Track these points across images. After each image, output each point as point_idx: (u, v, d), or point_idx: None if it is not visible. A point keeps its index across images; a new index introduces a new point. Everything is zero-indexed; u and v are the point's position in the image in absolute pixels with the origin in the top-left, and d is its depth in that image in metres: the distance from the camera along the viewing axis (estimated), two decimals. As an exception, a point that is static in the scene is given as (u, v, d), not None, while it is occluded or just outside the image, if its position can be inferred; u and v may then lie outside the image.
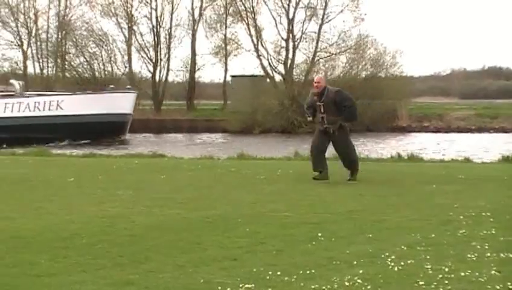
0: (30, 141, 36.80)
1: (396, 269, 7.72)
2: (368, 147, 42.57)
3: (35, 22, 72.60)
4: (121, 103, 50.66)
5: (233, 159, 22.64)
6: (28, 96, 49.98)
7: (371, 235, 9.46)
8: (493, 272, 7.60)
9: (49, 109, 47.95)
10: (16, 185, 15.28)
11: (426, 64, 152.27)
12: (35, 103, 48.44)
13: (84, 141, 46.08)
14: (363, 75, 66.19)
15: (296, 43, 67.14)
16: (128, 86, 56.06)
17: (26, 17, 72.06)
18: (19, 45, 72.55)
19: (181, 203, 12.53)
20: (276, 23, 67.36)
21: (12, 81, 55.63)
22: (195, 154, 26.59)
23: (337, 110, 15.63)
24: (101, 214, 11.23)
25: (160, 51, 70.68)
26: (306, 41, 67.63)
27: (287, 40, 66.97)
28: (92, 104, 49.09)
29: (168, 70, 71.27)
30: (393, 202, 12.59)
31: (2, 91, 52.58)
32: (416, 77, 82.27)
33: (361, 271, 7.59)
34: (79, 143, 44.30)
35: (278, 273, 7.54)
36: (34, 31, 72.27)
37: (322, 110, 15.67)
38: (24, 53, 72.60)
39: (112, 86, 57.19)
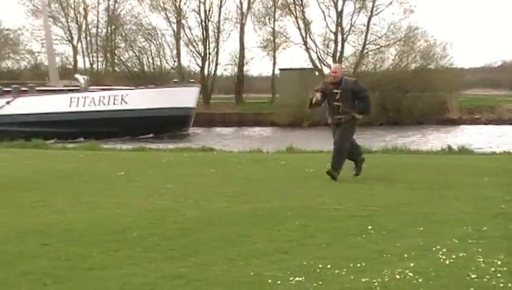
0: (95, 135, 37.04)
1: (447, 262, 7.66)
2: (418, 140, 42.33)
3: (85, 17, 73.44)
4: (185, 97, 50.71)
5: (282, 153, 22.65)
6: (93, 91, 50.52)
7: (421, 228, 9.39)
8: (547, 265, 7.51)
9: (114, 104, 48.40)
10: (67, 179, 15.45)
11: (477, 56, 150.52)
12: (100, 97, 48.88)
13: (148, 135, 46.46)
14: (413, 68, 65.68)
15: (345, 35, 67.03)
16: (192, 80, 56.03)
17: (76, 12, 72.90)
18: (69, 40, 73.46)
19: (231, 197, 12.56)
20: (324, 16, 67.35)
21: (77, 76, 56.22)
22: (245, 147, 26.65)
23: (353, 101, 15.15)
24: (151, 208, 11.30)
25: (208, 45, 71.00)
26: (355, 34, 67.54)
27: (335, 33, 66.84)
28: (156, 98, 49.33)
29: (216, 64, 71.61)
30: (444, 195, 12.49)
31: (67, 86, 53.16)
32: (466, 68, 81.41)
33: (412, 264, 7.54)
34: (143, 137, 44.56)
35: (328, 266, 7.53)
36: (84, 26, 73.13)
37: (338, 99, 15.12)
38: (74, 48, 73.47)
39: (176, 80, 57.35)
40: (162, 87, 53.21)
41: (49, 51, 58.73)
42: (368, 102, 15.51)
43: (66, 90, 51.18)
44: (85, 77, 55.64)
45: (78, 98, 48.72)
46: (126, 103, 48.18)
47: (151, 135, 46.70)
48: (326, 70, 66.99)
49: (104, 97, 48.75)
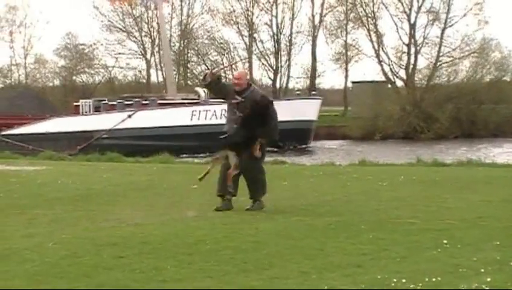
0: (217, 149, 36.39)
1: (525, 277, 7.53)
2: (493, 152, 41.68)
3: (159, 32, 74.04)
4: (307, 110, 50.22)
5: (355, 165, 22.54)
6: (214, 104, 49.44)
7: (498, 243, 9.24)
8: None
9: None
10: (141, 192, 15.61)
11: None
12: (221, 110, 48.52)
13: (271, 148, 45.61)
14: (487, 79, 64.84)
15: (418, 48, 66.41)
16: (314, 92, 55.58)
17: (149, 26, 73.68)
18: (142, 54, 74.23)
19: (304, 210, 12.54)
20: (397, 28, 66.92)
21: (197, 88, 56.20)
22: (317, 160, 26.60)
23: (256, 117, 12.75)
24: (225, 221, 11.34)
25: (280, 58, 71.18)
26: (428, 46, 66.91)
27: (408, 45, 66.32)
28: (279, 111, 48.16)
29: (288, 77, 71.74)
30: (522, 209, 12.28)
31: (186, 99, 53.13)
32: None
33: (489, 279, 7.41)
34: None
35: (403, 280, 7.45)
36: (157, 40, 73.77)
37: (237, 109, 12.89)
38: (147, 62, 74.26)
39: (299, 92, 57.11)
40: (285, 100, 52.61)
41: (167, 64, 58.79)
42: (271, 122, 13.04)
43: (187, 104, 50.90)
44: (205, 89, 55.71)
45: (199, 111, 48.31)
46: None
47: (274, 149, 45.81)
48: (399, 83, 66.70)
49: (225, 110, 48.05)
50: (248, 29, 71.33)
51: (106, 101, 52.30)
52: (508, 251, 8.76)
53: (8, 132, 49.31)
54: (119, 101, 51.87)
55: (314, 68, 71.21)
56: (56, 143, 45.72)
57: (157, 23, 73.36)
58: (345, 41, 70.40)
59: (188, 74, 74.49)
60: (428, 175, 17.96)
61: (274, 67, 71.30)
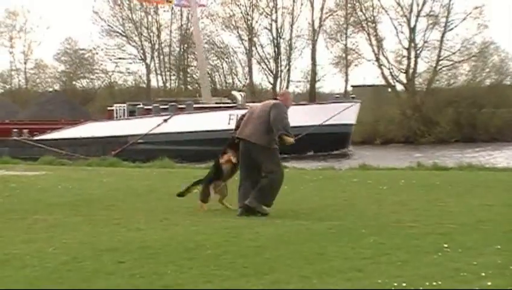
0: None
1: (526, 281, 7.52)
2: (494, 156, 41.68)
3: (158, 36, 74.25)
4: (346, 114, 49.44)
5: (355, 169, 22.53)
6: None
7: (499, 247, 9.22)
8: None
9: None
10: (142, 197, 15.61)
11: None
12: None
13: (308, 152, 44.99)
14: (487, 83, 64.94)
15: (418, 51, 66.46)
16: (353, 95, 55.11)
17: (149, 31, 73.75)
18: (142, 58, 74.29)
19: (304, 214, 12.55)
20: (397, 32, 67.04)
21: (234, 92, 55.70)
22: (317, 165, 26.59)
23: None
24: (225, 225, 11.34)
25: (280, 62, 71.29)
26: (428, 50, 66.97)
27: (408, 49, 66.39)
28: (318, 114, 47.75)
29: (288, 81, 71.82)
30: (523, 212, 12.28)
31: (223, 103, 52.53)
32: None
33: (489, 283, 7.41)
34: (303, 155, 42.77)
35: (404, 284, 7.44)
36: (157, 45, 73.85)
37: None
38: (147, 67, 74.29)
39: (338, 95, 56.66)
40: (324, 104, 52.00)
41: (202, 68, 58.00)
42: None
43: (224, 108, 50.12)
44: (242, 93, 55.07)
45: (237, 115, 47.35)
46: None
47: (311, 153, 45.44)
48: (399, 87, 66.72)
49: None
50: (248, 33, 71.43)
51: (141, 106, 51.75)
52: (508, 255, 8.75)
53: (42, 137, 48.83)
54: (154, 105, 51.30)
55: (314, 72, 71.25)
56: (90, 148, 45.47)
57: (157, 28, 73.52)
58: (345, 45, 70.46)
59: (188, 79, 74.50)
60: (429, 179, 17.95)
61: (274, 72, 71.39)
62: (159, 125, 47.91)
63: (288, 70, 71.67)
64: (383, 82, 67.42)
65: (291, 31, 71.12)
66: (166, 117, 48.38)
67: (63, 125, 51.13)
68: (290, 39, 71.13)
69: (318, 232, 10.63)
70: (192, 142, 45.62)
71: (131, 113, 50.91)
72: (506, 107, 61.40)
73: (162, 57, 74.77)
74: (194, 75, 74.15)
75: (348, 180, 18.18)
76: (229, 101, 52.71)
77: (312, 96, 69.21)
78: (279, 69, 71.32)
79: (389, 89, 67.13)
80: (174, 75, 75.48)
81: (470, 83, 64.81)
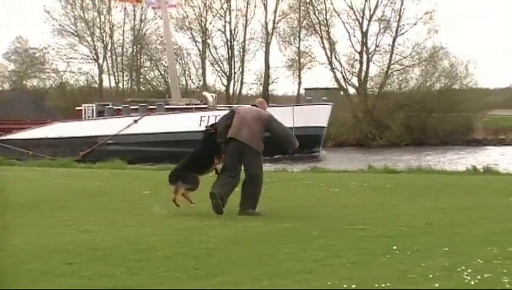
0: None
1: (472, 282, 7.60)
2: (443, 160, 42.13)
3: (111, 36, 73.68)
4: (318, 116, 49.04)
5: (307, 172, 22.63)
6: (222, 109, 47.51)
7: (447, 249, 9.32)
8: None
9: None
10: (93, 198, 15.51)
11: (503, 77, 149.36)
12: None
13: (277, 155, 42.57)
14: (437, 88, 65.67)
15: (370, 55, 67.02)
16: (324, 98, 54.84)
17: (102, 31, 73.16)
18: (94, 59, 73.66)
19: (255, 217, 12.56)
20: (349, 36, 67.53)
21: (205, 93, 55.04)
22: (270, 167, 26.63)
23: None
24: (176, 227, 11.30)
25: (234, 64, 71.31)
26: (380, 54, 67.58)
27: (360, 53, 66.93)
28: (290, 116, 45.51)
29: (241, 83, 71.83)
30: (471, 215, 12.42)
31: (193, 104, 51.87)
32: (492, 89, 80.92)
33: (437, 285, 7.48)
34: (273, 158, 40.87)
35: (353, 286, 7.48)
36: (109, 45, 73.32)
37: None
38: (100, 67, 73.69)
39: (309, 97, 55.85)
40: (296, 106, 51.21)
41: (171, 68, 57.53)
42: None
43: (195, 109, 49.65)
44: (213, 94, 54.53)
45: (208, 116, 45.92)
46: None
47: (279, 156, 44.33)
48: (351, 90, 67.09)
49: None
50: (201, 35, 71.31)
51: (111, 106, 51.00)
52: (456, 257, 8.84)
53: (7, 137, 48.15)
54: (124, 105, 50.68)
55: (267, 75, 71.36)
56: (57, 149, 44.82)
57: (110, 28, 73.06)
58: (298, 48, 70.71)
59: (141, 80, 74.11)
60: (380, 182, 18.10)
61: (227, 74, 71.39)
62: (129, 126, 47.39)
63: (242, 72, 71.78)
64: (335, 85, 67.81)
65: (245, 33, 71.25)
66: (136, 118, 47.87)
67: (30, 125, 50.41)
68: (244, 41, 71.24)
69: (270, 234, 10.65)
70: (162, 144, 45.08)
71: (100, 114, 50.26)
72: (455, 112, 62.09)
73: (114, 57, 74.22)
74: (147, 76, 73.85)
75: (300, 182, 18.25)
76: (198, 102, 52.41)
77: (265, 99, 69.05)
78: (232, 71, 71.36)
79: (342, 92, 67.52)
80: (126, 75, 75.05)
81: (420, 88, 65.43)
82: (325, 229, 11.00)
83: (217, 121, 13.85)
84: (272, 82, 72.56)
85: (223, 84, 72.05)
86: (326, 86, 67.20)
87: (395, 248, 9.36)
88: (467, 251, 9.21)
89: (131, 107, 49.94)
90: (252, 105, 14.13)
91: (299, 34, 70.42)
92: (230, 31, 70.98)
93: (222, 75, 71.78)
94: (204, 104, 51.78)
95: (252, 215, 12.88)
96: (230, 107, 48.74)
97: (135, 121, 47.65)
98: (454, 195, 15.45)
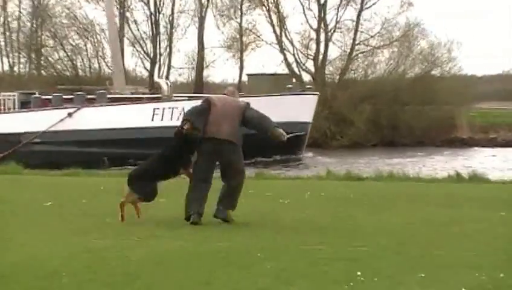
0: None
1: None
2: (419, 164, 42.50)
3: (4, 8, 72.77)
4: (300, 109, 48.46)
5: (250, 178, 22.60)
6: (180, 100, 48.01)
7: (423, 275, 9.42)
8: None
9: None
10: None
11: (493, 62, 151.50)
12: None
13: (254, 159, 41.77)
14: (412, 74, 66.00)
15: (329, 34, 67.26)
16: (309, 86, 53.78)
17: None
18: (-17, 36, 72.71)
19: (186, 234, 12.55)
20: (304, 9, 67.71)
21: (158, 80, 54.14)
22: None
23: None
24: (87, 246, 11.25)
25: (159, 44, 71.02)
26: (341, 32, 67.72)
27: (317, 31, 67.11)
28: (264, 110, 44.23)
29: (169, 67, 71.55)
30: (452, 232, 12.58)
31: (144, 93, 51.55)
32: (479, 76, 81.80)
33: (411, 320, 7.58)
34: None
35: (308, 321, 7.55)
36: (2, 19, 72.43)
37: None
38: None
39: (290, 85, 55.08)
40: (272, 96, 49.43)
41: (114, 49, 56.80)
42: None
43: (146, 99, 49.30)
44: (168, 82, 54.03)
45: (163, 109, 45.68)
46: None
47: (253, 160, 42.99)
48: (306, 77, 67.10)
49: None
50: (118, 7, 70.83)
51: (37, 95, 49.80)
52: (434, 285, 8.95)
53: None
54: (55, 94, 49.42)
55: (201, 57, 71.23)
56: None
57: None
58: (240, 24, 70.70)
59: (42, 62, 73.37)
60: (341, 191, 18.22)
61: (151, 55, 71.07)
62: (61, 120, 46.23)
63: (169, 53, 71.57)
64: (286, 70, 67.91)
65: (173, 4, 71.02)
66: (71, 110, 46.74)
67: None
68: (172, 15, 71.01)
69: (203, 256, 10.66)
70: (104, 143, 44.21)
71: (24, 105, 49.13)
72: (434, 104, 62.50)
73: (8, 33, 73.42)
74: (50, 58, 73.10)
75: (242, 191, 18.24)
76: (146, 90, 51.81)
77: (199, 87, 69.12)
78: (157, 52, 71.06)
79: (294, 80, 67.66)
80: (24, 56, 74.23)
81: (391, 74, 65.80)
82: (272, 249, 11.05)
83: (185, 115, 14.18)
84: (207, 66, 72.61)
85: (146, 68, 71.82)
86: (275, 72, 67.27)
87: (359, 273, 9.44)
88: (447, 278, 9.32)
89: (64, 96, 48.89)
90: (222, 94, 14.67)
91: (241, 6, 70.40)
92: (155, 2, 70.75)
93: (144, 57, 71.54)
94: (154, 93, 51.28)
95: (227, 221, 13.62)
96: (192, 97, 47.95)
97: (69, 115, 46.62)
98: (431, 208, 15.60)
